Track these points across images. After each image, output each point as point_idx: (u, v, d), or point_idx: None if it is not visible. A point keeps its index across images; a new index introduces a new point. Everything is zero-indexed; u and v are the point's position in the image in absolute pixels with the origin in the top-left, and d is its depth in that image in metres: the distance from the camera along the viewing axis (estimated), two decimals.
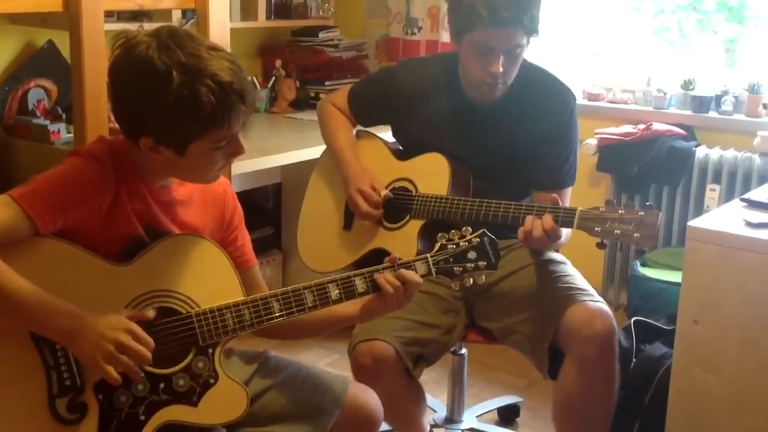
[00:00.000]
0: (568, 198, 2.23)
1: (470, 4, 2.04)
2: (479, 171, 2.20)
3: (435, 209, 2.14)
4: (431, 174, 2.19)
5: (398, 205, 2.22)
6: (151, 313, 1.54)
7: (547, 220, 1.94)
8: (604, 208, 1.91)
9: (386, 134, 2.44)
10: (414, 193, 2.21)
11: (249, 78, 1.63)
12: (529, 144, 2.18)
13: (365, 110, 2.39)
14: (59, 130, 2.70)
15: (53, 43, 2.93)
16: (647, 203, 1.93)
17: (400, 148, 2.37)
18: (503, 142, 2.19)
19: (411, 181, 2.23)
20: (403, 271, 1.65)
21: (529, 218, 1.97)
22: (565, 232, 2.05)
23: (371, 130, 2.44)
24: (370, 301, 1.69)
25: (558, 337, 2.04)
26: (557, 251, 2.24)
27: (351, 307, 1.70)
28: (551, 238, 1.96)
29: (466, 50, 2.13)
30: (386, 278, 1.64)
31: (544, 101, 2.20)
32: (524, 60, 2.16)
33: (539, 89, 2.21)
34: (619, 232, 1.87)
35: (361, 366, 2.03)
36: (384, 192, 2.21)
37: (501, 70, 2.07)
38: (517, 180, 2.22)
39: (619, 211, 1.88)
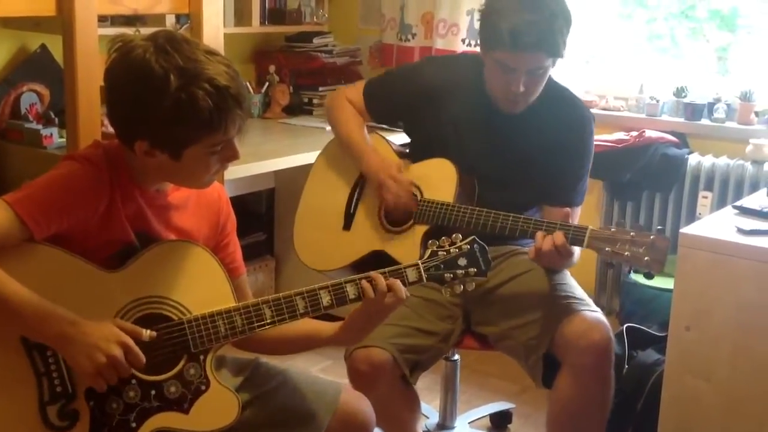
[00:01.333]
0: (578, 218, 2.20)
1: (495, 24, 2.03)
2: (488, 177, 2.19)
3: (439, 215, 2.13)
4: (438, 179, 2.18)
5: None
6: (146, 337, 1.51)
7: (558, 236, 1.92)
8: (615, 228, 1.90)
9: (393, 137, 2.44)
10: (419, 198, 2.20)
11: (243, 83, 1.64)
12: (548, 151, 2.16)
13: (382, 104, 2.37)
14: (52, 134, 2.69)
15: (46, 47, 2.92)
16: (658, 227, 1.92)
17: (407, 151, 2.37)
18: (520, 149, 2.19)
19: (417, 186, 2.22)
20: (391, 280, 1.62)
21: (539, 234, 1.95)
22: (576, 252, 2.04)
23: (379, 132, 2.42)
24: (352, 315, 1.67)
25: (554, 346, 2.04)
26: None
27: (331, 329, 1.70)
28: (562, 255, 1.94)
29: (489, 64, 2.13)
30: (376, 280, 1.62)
31: (566, 114, 2.21)
32: (549, 76, 2.16)
33: (562, 103, 2.22)
34: (629, 254, 1.86)
35: (358, 372, 2.02)
36: None
37: (522, 89, 2.07)
38: (526, 191, 2.21)
39: (630, 234, 1.87)
